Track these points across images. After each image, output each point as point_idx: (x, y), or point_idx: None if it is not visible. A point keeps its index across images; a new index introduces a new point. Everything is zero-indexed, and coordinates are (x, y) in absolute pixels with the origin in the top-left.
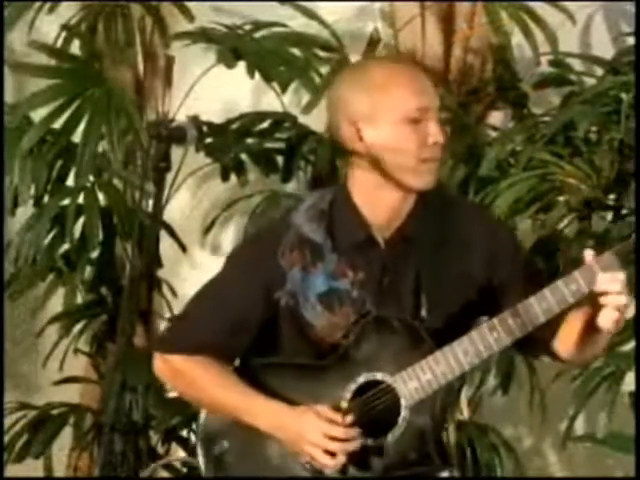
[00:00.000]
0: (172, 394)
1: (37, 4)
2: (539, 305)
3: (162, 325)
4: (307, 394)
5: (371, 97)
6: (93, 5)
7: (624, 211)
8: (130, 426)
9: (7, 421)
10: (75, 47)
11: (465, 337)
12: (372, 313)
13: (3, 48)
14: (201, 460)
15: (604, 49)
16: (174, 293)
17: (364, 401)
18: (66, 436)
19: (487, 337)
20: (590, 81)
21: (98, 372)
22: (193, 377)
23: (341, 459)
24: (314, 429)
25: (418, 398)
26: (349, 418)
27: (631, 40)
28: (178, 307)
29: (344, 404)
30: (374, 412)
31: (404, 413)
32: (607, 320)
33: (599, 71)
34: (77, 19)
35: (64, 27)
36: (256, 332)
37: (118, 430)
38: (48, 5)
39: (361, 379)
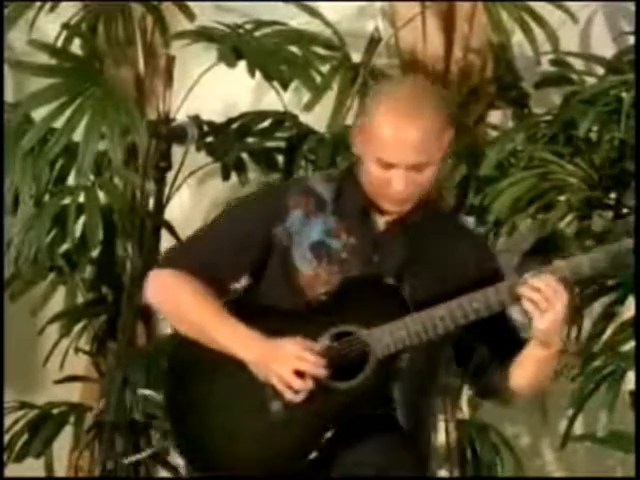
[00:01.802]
0: None
1: (38, 3)
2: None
3: (163, 325)
4: (285, 337)
5: (368, 124)
6: (94, 4)
7: (624, 210)
8: (131, 425)
9: (7, 420)
10: (76, 46)
11: (443, 304)
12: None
13: (3, 47)
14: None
15: (605, 48)
16: None
17: (336, 348)
18: (67, 435)
19: (465, 306)
20: (591, 80)
21: (99, 371)
22: (179, 293)
23: (308, 383)
24: (288, 350)
25: (388, 352)
26: (324, 344)
27: (632, 39)
28: None
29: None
30: (344, 359)
31: (372, 361)
32: (539, 323)
33: (600, 70)
34: (78, 18)
35: (65, 26)
36: (249, 266)
37: (119, 429)
38: (49, 4)
39: (336, 330)
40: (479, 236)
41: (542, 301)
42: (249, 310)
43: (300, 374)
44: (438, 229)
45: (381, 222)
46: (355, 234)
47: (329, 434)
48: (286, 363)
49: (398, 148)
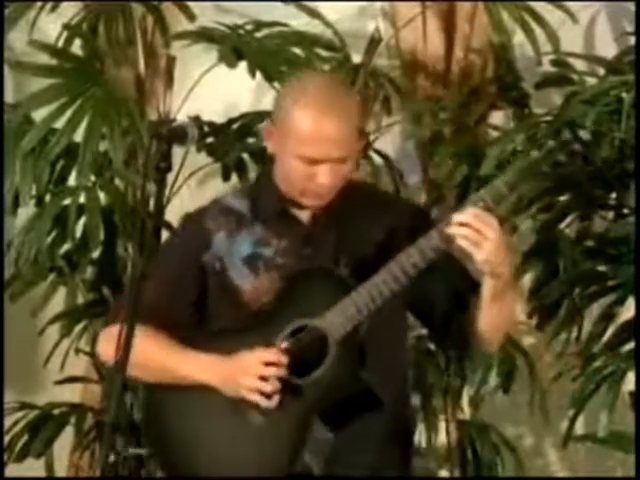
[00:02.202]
0: None
1: (38, 3)
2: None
3: None
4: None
5: (283, 121)
6: (94, 5)
7: (625, 211)
8: (131, 426)
9: (8, 421)
10: (76, 47)
11: (383, 269)
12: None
13: (3, 48)
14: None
15: (606, 49)
16: None
17: (294, 343)
18: (67, 436)
19: (403, 262)
20: (591, 81)
21: (99, 372)
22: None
23: (276, 384)
24: (247, 360)
25: (344, 332)
26: (282, 345)
27: (633, 40)
28: None
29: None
30: (304, 353)
31: (333, 345)
32: (478, 255)
33: (601, 71)
34: (78, 18)
35: (65, 26)
36: (193, 298)
37: (119, 430)
38: (49, 4)
39: (289, 327)
40: (404, 200)
41: (473, 234)
42: (202, 339)
43: (266, 379)
44: (362, 206)
45: (305, 217)
46: (284, 236)
47: (316, 431)
48: (250, 372)
49: (321, 143)
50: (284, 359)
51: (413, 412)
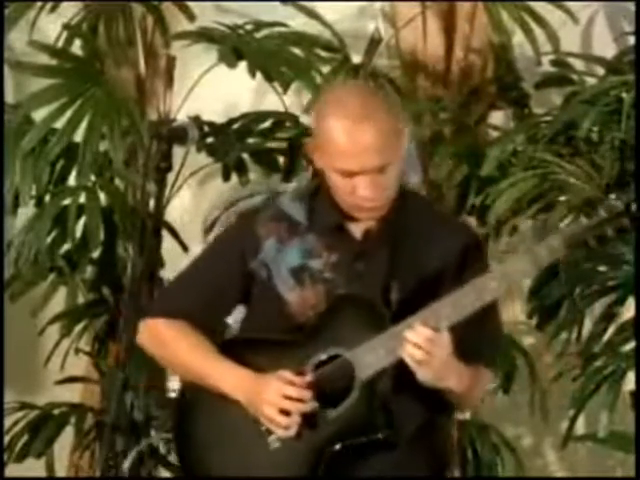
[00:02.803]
0: (173, 394)
1: (38, 4)
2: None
3: None
4: (274, 368)
5: (319, 134)
6: (94, 5)
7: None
8: (131, 426)
9: (8, 421)
10: (76, 47)
11: (416, 315)
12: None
13: (4, 48)
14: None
15: (605, 49)
16: None
17: (322, 374)
18: (67, 436)
19: (439, 313)
20: (591, 81)
21: (99, 372)
22: (168, 340)
23: (295, 419)
24: (272, 388)
25: (372, 372)
26: (307, 378)
27: (632, 40)
28: None
29: (305, 373)
30: (331, 384)
31: (357, 385)
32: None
33: (600, 71)
34: (78, 19)
35: (65, 27)
36: (235, 303)
37: (119, 430)
38: (49, 5)
39: (323, 356)
40: (457, 220)
41: (420, 355)
42: (242, 346)
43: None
44: (417, 223)
45: (359, 232)
46: (335, 250)
47: (329, 457)
48: (271, 403)
49: (356, 154)
50: (308, 395)
51: (446, 437)
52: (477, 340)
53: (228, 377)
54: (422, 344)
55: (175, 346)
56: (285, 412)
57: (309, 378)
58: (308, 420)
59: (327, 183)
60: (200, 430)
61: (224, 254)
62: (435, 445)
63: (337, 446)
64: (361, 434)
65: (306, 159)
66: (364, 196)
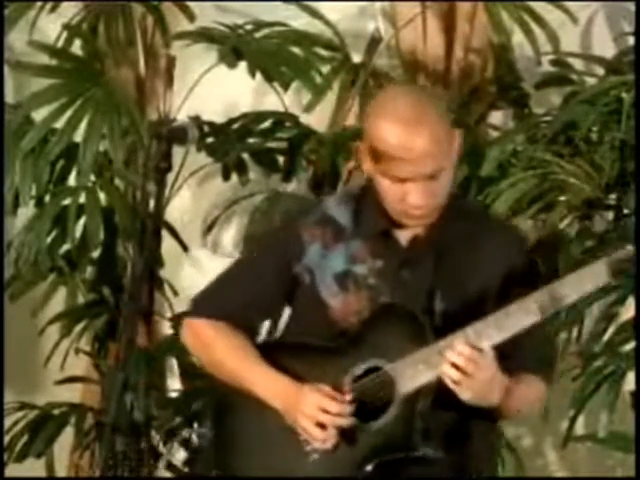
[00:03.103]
0: (174, 394)
1: (38, 4)
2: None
3: (163, 325)
4: (313, 375)
5: (369, 139)
6: (94, 5)
7: (625, 211)
8: (131, 426)
9: (8, 421)
10: (76, 47)
11: (458, 332)
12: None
13: (3, 48)
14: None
15: (605, 49)
16: (175, 293)
17: (362, 387)
18: (67, 436)
19: (483, 331)
20: (591, 81)
21: (99, 372)
22: (210, 342)
23: (331, 433)
24: (310, 400)
25: (412, 387)
26: (347, 397)
27: (632, 40)
28: (179, 306)
29: (346, 387)
30: (370, 396)
31: (397, 400)
32: (461, 395)
33: (600, 71)
34: (78, 19)
35: (65, 27)
36: (279, 306)
37: (119, 430)
38: (49, 5)
39: (363, 366)
40: (507, 227)
41: (457, 377)
42: (283, 349)
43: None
44: (465, 231)
45: (405, 239)
46: (380, 256)
47: (367, 470)
48: (309, 416)
49: (408, 161)
50: (345, 410)
51: (489, 446)
52: (527, 351)
53: (266, 383)
54: (462, 365)
55: (214, 347)
56: (322, 425)
57: (349, 396)
58: (345, 434)
59: (375, 187)
60: (240, 434)
61: (268, 257)
62: (474, 454)
63: (374, 462)
64: (399, 450)
65: (356, 160)
66: (415, 204)
